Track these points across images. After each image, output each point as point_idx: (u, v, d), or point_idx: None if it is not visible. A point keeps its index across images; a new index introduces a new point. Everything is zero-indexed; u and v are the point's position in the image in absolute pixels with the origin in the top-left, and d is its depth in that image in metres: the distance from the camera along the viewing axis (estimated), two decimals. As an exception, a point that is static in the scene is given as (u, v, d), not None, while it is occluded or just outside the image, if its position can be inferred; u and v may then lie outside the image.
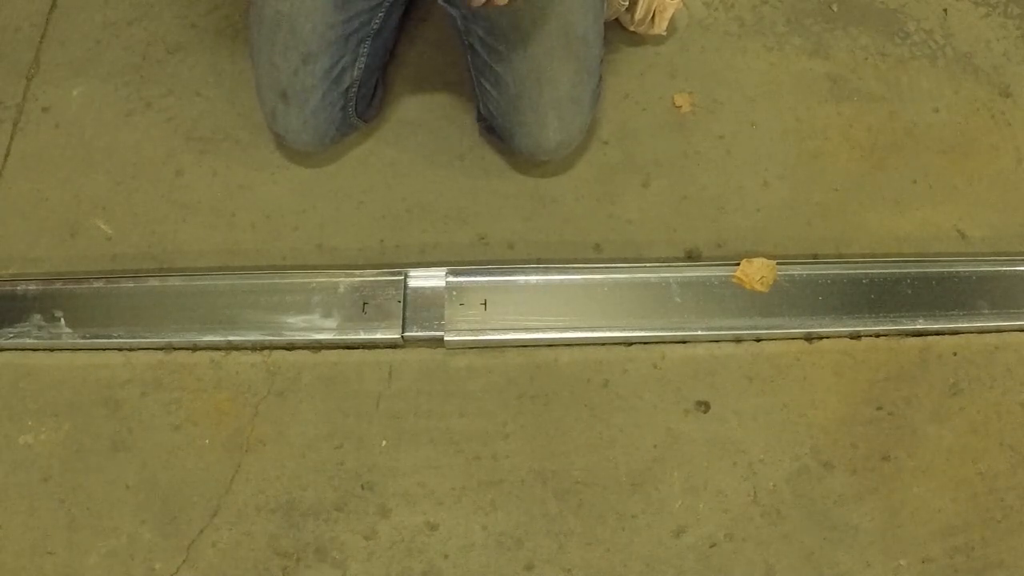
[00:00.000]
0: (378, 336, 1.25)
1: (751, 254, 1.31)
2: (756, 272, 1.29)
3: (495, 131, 1.35)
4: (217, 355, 1.27)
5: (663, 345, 1.28)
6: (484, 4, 1.06)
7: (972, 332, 1.30)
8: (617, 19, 1.48)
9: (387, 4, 1.26)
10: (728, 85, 1.48)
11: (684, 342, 1.28)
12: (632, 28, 1.46)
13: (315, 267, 1.32)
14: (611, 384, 1.26)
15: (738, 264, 1.29)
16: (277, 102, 1.25)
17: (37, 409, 1.25)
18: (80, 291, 1.29)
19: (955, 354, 1.29)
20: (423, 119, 1.44)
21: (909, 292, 1.30)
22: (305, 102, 1.24)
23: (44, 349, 1.28)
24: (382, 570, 1.17)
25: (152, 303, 1.28)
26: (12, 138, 1.43)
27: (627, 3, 1.41)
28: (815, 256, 1.34)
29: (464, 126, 1.43)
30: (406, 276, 1.28)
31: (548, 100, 1.25)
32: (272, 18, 1.20)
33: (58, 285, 1.29)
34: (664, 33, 1.46)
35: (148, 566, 1.17)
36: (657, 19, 1.43)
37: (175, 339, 1.26)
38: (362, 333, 1.25)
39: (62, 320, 1.27)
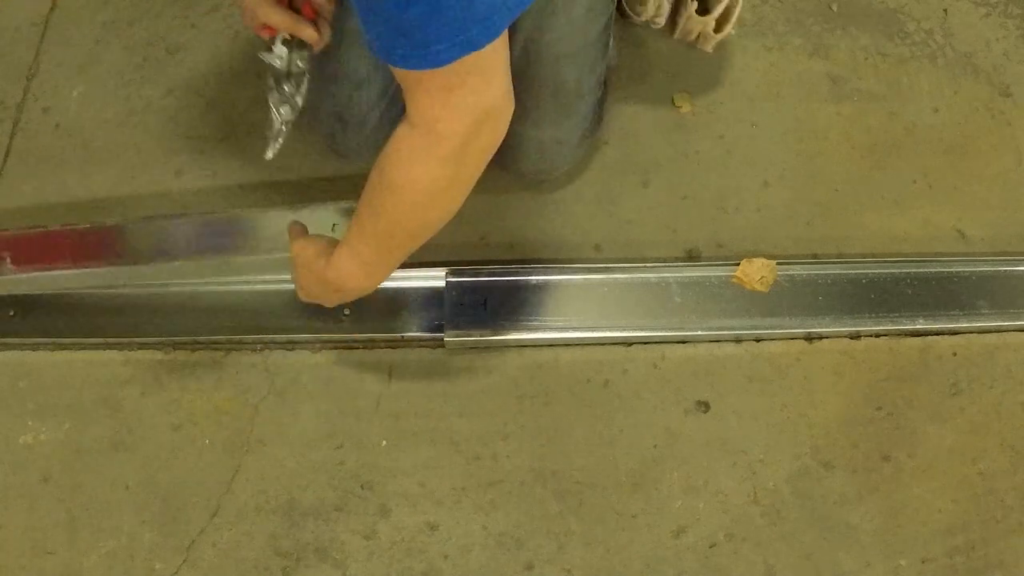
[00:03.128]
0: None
1: (751, 254, 1.31)
2: (756, 272, 1.29)
3: None
4: (217, 355, 1.27)
5: (663, 345, 1.28)
6: None
7: (972, 332, 1.30)
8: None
9: None
10: (728, 85, 1.48)
11: (684, 342, 1.28)
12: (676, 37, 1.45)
13: None
14: (611, 384, 1.26)
15: (738, 264, 1.29)
16: (335, 125, 1.23)
17: (37, 409, 1.25)
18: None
19: (955, 354, 1.29)
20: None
21: (909, 292, 1.30)
22: (363, 124, 1.21)
23: (45, 348, 1.28)
24: (382, 570, 1.17)
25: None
26: (12, 138, 1.43)
27: (662, 22, 1.39)
28: (815, 256, 1.34)
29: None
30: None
31: (531, 138, 1.23)
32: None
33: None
34: (710, 51, 1.43)
35: (148, 566, 1.17)
36: (703, 42, 1.41)
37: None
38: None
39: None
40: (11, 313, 1.27)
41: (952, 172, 1.41)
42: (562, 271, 1.30)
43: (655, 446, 1.23)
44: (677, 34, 1.41)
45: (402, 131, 0.85)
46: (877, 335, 1.29)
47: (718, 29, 1.37)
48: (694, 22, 1.36)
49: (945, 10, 1.53)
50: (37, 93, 1.47)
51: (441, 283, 1.27)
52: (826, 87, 1.48)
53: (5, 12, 1.54)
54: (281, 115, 1.00)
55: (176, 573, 1.17)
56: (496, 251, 1.34)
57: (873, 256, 1.35)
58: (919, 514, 1.20)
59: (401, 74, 0.80)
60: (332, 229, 1.12)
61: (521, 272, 1.30)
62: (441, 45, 0.76)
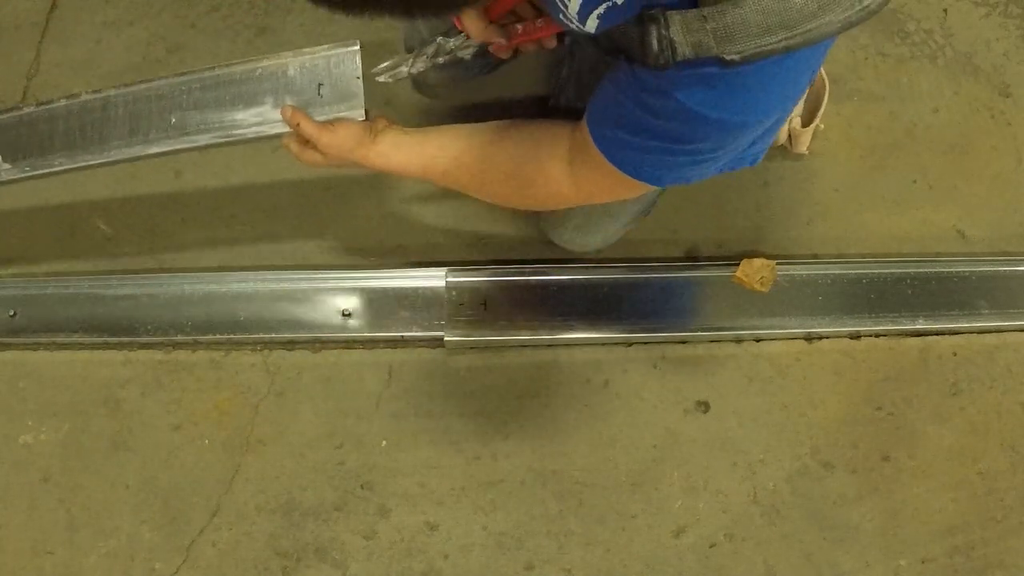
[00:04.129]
0: (342, 113, 1.05)
1: (751, 254, 1.31)
2: (756, 272, 1.28)
3: None
4: (217, 355, 1.27)
5: (663, 345, 1.28)
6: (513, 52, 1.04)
7: (972, 332, 1.30)
8: None
9: None
10: (728, 85, 1.48)
11: (684, 342, 1.28)
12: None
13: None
14: (611, 384, 1.26)
15: (738, 264, 1.29)
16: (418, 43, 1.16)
17: (37, 409, 1.25)
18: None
19: (955, 354, 1.29)
20: (425, 121, 1.44)
21: (909, 292, 1.30)
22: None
23: (45, 348, 1.28)
24: (382, 570, 1.17)
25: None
26: (12, 138, 1.43)
27: None
28: (815, 256, 1.34)
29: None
30: (360, 47, 1.07)
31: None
32: None
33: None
34: (807, 152, 1.38)
35: (148, 566, 1.17)
36: (795, 143, 1.37)
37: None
38: (320, 116, 1.06)
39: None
40: (11, 313, 1.27)
41: (952, 172, 1.41)
42: (562, 271, 1.30)
43: (655, 446, 1.23)
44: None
45: (564, 178, 0.94)
46: (877, 335, 1.29)
47: (805, 123, 1.33)
48: None
49: (945, 10, 1.53)
50: (37, 93, 1.46)
51: (441, 283, 1.27)
52: (826, 87, 1.48)
53: (5, 12, 1.53)
54: (414, 66, 1.04)
55: (176, 573, 1.17)
56: (496, 251, 1.34)
57: (873, 256, 1.34)
58: (919, 514, 1.20)
59: (614, 172, 0.87)
60: (319, 91, 1.07)
61: (521, 272, 1.30)
62: (668, 177, 0.88)
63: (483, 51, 1.04)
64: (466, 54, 1.04)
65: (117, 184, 1.39)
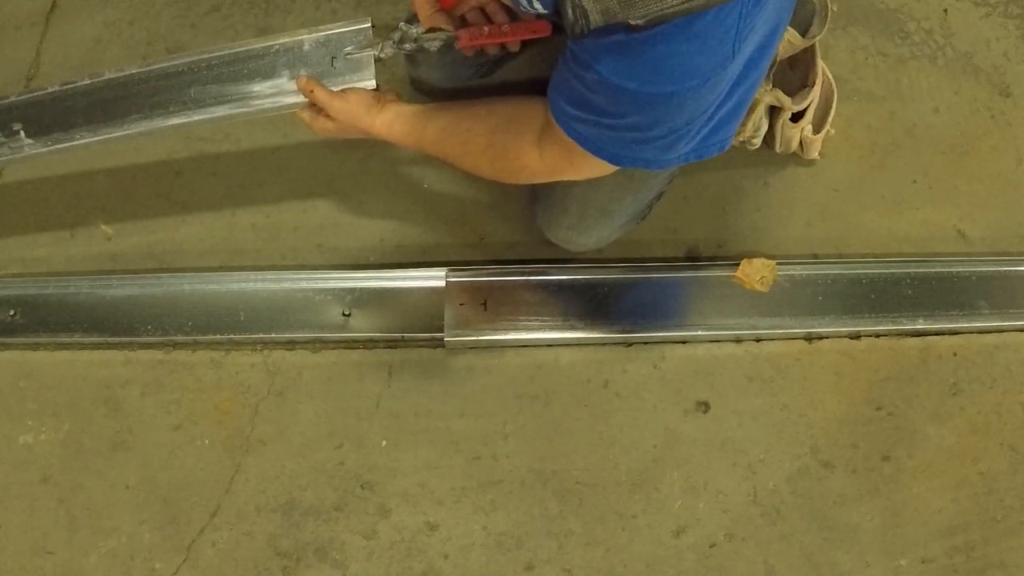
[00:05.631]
0: (354, 84, 1.11)
1: (751, 254, 1.31)
2: (756, 272, 1.28)
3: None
4: (217, 355, 1.27)
5: (663, 345, 1.28)
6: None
7: (972, 332, 1.30)
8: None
9: None
10: (728, 85, 1.48)
11: (684, 342, 1.28)
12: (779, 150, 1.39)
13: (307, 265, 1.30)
14: (611, 384, 1.26)
15: (738, 264, 1.29)
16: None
17: (37, 409, 1.25)
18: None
19: (955, 354, 1.29)
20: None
21: (909, 292, 1.30)
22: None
23: (45, 348, 1.28)
24: (382, 570, 1.17)
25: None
26: (12, 138, 1.43)
27: (758, 143, 1.34)
28: (815, 256, 1.34)
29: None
30: (372, 23, 1.14)
31: (579, 195, 1.19)
32: None
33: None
34: (819, 158, 1.39)
35: (148, 566, 1.17)
36: (807, 150, 1.38)
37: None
38: (333, 87, 1.11)
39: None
40: (12, 313, 1.27)
41: (952, 172, 1.41)
42: (562, 271, 1.30)
43: (655, 446, 1.23)
44: (779, 147, 1.35)
45: (533, 152, 0.99)
46: (877, 335, 1.29)
47: (816, 130, 1.34)
48: (790, 130, 1.32)
49: (945, 10, 1.53)
50: (37, 93, 1.46)
51: (441, 283, 1.27)
52: (826, 87, 1.48)
53: (5, 12, 1.53)
54: (383, 51, 1.10)
55: (176, 573, 1.17)
56: (496, 251, 1.34)
57: (873, 256, 1.34)
58: (919, 514, 1.21)
59: (574, 147, 0.92)
60: (332, 64, 1.14)
61: (521, 272, 1.30)
62: (624, 158, 0.92)
63: (450, 45, 1.07)
64: (432, 46, 1.08)
65: (117, 184, 1.39)
